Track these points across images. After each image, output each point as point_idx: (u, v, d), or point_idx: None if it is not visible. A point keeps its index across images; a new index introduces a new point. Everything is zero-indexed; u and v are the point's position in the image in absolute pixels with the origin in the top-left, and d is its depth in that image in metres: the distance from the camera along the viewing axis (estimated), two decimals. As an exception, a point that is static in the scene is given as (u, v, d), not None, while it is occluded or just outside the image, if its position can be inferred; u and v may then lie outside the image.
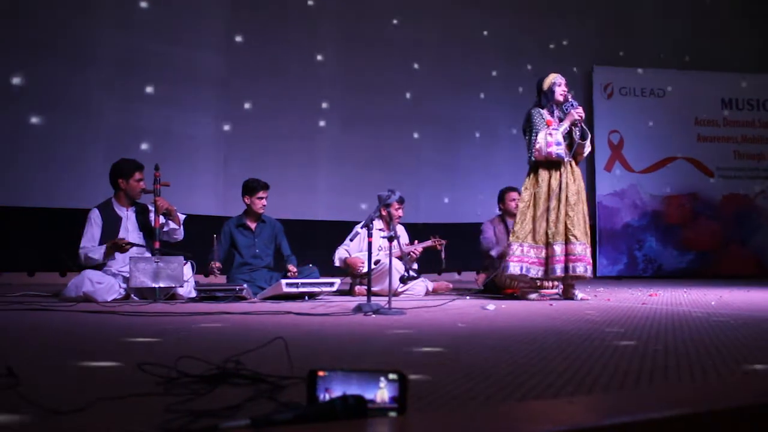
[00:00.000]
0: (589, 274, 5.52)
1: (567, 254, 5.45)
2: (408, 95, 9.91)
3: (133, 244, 5.32)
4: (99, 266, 5.31)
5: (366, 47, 9.72)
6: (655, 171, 11.08)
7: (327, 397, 1.56)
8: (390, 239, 4.70)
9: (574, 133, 5.63)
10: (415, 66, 10.03)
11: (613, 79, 11.10)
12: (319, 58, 9.47)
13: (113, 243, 5.27)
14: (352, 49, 9.64)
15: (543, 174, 5.61)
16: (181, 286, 5.24)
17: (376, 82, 9.69)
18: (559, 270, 5.44)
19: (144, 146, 7.87)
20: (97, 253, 5.30)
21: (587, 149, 5.73)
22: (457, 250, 7.25)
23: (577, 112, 5.59)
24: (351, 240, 5.62)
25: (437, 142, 10.09)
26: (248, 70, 8.97)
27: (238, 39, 8.97)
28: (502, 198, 7.02)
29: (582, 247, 5.48)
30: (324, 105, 9.45)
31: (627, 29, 11.44)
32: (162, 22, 8.51)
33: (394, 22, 9.97)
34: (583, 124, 5.67)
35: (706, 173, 11.22)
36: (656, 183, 11.06)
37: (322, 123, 9.45)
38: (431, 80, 10.09)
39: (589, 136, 5.73)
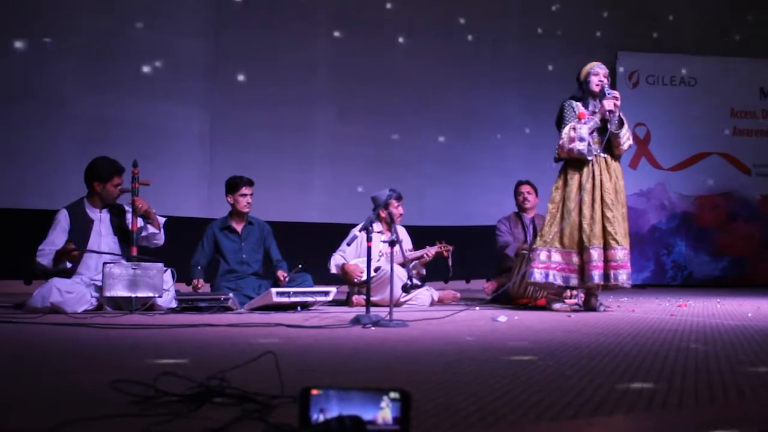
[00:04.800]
0: (630, 283, 5.52)
1: (607, 260, 5.42)
2: (413, 86, 9.90)
3: (82, 251, 5.29)
4: (68, 274, 5.30)
5: (368, 33, 9.72)
6: (685, 168, 11.06)
7: (321, 418, 1.56)
8: (391, 244, 4.69)
9: (610, 124, 5.57)
10: (422, 55, 10.02)
11: (639, 66, 11.09)
12: (315, 44, 9.47)
13: (62, 249, 5.25)
14: (352, 35, 9.64)
15: (573, 172, 5.59)
16: (160, 296, 5.23)
17: (377, 71, 9.68)
18: (597, 277, 5.39)
19: (120, 141, 7.85)
20: (46, 259, 5.28)
21: (626, 141, 5.61)
22: (465, 256, 7.25)
23: (610, 101, 5.55)
24: (348, 244, 5.62)
25: (444, 137, 10.08)
26: (236, 57, 8.96)
27: (226, 22, 8.97)
28: (515, 192, 7.09)
29: (623, 253, 5.44)
30: (320, 96, 9.45)
31: (654, 11, 11.42)
32: (140, 2, 8.51)
33: (400, 7, 9.97)
34: (621, 113, 5.64)
35: (743, 170, 11.20)
36: (687, 181, 11.04)
37: (317, 115, 9.45)
38: (439, 70, 10.08)
39: (626, 125, 5.68)
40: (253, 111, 8.96)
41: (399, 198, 6.41)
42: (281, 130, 9.11)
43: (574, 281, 5.52)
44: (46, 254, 5.29)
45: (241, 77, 8.96)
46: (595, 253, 5.42)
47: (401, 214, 6.60)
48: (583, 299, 5.75)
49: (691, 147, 11.06)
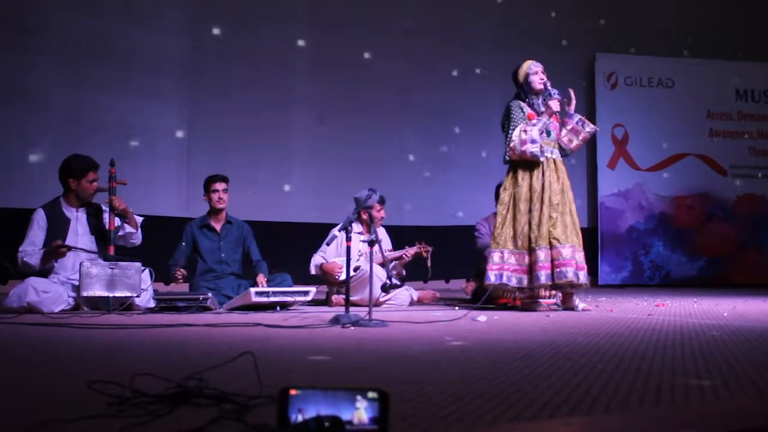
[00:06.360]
0: (582, 280, 5.53)
1: (552, 259, 5.49)
2: (391, 86, 9.91)
3: (71, 248, 5.26)
4: (45, 273, 5.26)
5: (346, 33, 9.72)
6: (662, 169, 11.16)
7: (300, 418, 1.56)
8: (371, 243, 4.69)
9: (566, 125, 5.72)
10: (400, 54, 10.03)
11: (617, 67, 11.17)
12: (294, 43, 9.45)
13: (50, 248, 5.21)
14: (330, 35, 9.63)
15: (523, 173, 5.66)
16: (138, 296, 5.20)
17: (356, 71, 9.69)
18: (543, 277, 5.46)
19: (98, 140, 7.80)
20: (34, 258, 5.24)
21: (575, 140, 5.76)
22: (445, 256, 7.25)
23: (556, 102, 5.61)
24: (327, 244, 5.61)
25: (423, 137, 10.10)
26: (215, 56, 8.94)
27: (205, 21, 8.93)
28: (497, 193, 7.08)
29: (569, 250, 5.49)
30: (299, 96, 9.43)
31: (632, 13, 11.52)
32: (120, 3, 8.47)
33: (378, 8, 9.96)
34: (573, 112, 5.73)
35: (719, 172, 11.31)
36: (664, 182, 11.14)
37: (296, 116, 9.43)
38: (417, 70, 10.10)
39: (587, 126, 5.77)
40: (232, 111, 8.95)
41: (382, 202, 6.43)
42: (260, 131, 9.10)
43: (525, 282, 5.57)
44: (32, 254, 5.25)
45: (219, 77, 8.92)
46: (542, 254, 5.48)
47: (382, 218, 6.62)
48: (561, 299, 5.78)
49: (669, 148, 11.17)
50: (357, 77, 9.68)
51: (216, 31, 8.99)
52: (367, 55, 9.80)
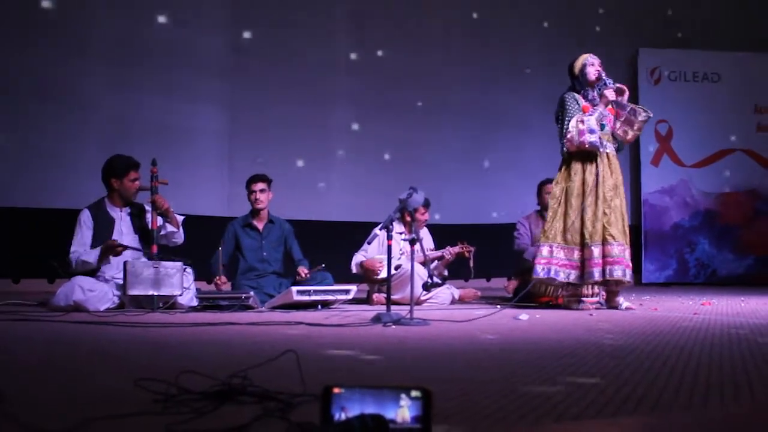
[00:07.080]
0: (628, 278, 5.51)
1: (604, 256, 5.45)
2: (432, 84, 9.88)
3: (126, 247, 5.36)
4: (91, 273, 5.35)
5: (387, 30, 9.71)
6: (708, 165, 10.97)
7: (343, 416, 1.57)
8: (412, 242, 4.70)
9: (619, 117, 5.67)
10: (441, 52, 10.00)
11: (660, 62, 11.01)
12: (334, 42, 9.47)
13: (106, 245, 5.32)
14: (371, 32, 9.63)
15: (576, 166, 5.61)
16: (181, 294, 5.27)
17: (397, 69, 9.67)
18: (597, 274, 5.44)
19: (139, 140, 7.90)
20: (91, 256, 5.34)
21: (642, 119, 5.68)
22: (486, 255, 7.23)
23: (611, 91, 5.58)
24: (369, 243, 5.63)
25: (463, 134, 10.04)
26: (255, 55, 8.99)
27: (245, 21, 8.99)
28: (539, 191, 7.00)
29: (620, 249, 5.47)
30: (339, 95, 9.45)
31: (676, 5, 11.34)
32: (160, 2, 8.56)
33: (420, 7, 9.95)
34: (626, 102, 5.69)
35: (767, 167, 11.10)
36: (710, 178, 10.95)
37: (337, 114, 9.45)
38: (458, 68, 10.05)
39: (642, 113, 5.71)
40: (273, 110, 8.98)
41: (426, 205, 6.38)
42: (300, 130, 9.12)
43: (573, 277, 5.54)
44: (89, 253, 5.35)
45: (260, 75, 8.97)
46: (596, 251, 5.47)
47: (425, 220, 6.61)
48: (605, 297, 5.73)
49: (715, 143, 10.97)
50: (397, 76, 9.66)
51: (256, 30, 9.03)
52: (406, 55, 9.77)
